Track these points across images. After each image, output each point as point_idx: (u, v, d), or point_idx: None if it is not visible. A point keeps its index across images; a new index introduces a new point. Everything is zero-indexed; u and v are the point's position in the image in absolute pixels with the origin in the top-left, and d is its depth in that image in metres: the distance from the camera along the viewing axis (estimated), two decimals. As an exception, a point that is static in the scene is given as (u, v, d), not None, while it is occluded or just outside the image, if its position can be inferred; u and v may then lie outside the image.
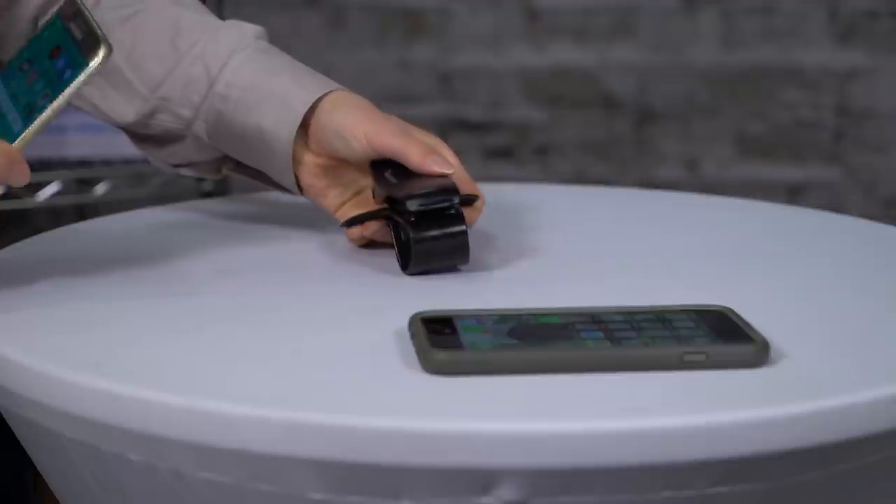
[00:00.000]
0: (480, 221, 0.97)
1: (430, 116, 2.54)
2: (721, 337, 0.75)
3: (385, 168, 0.94)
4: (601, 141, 2.60)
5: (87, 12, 0.83)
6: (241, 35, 1.00)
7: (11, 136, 0.82)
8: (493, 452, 0.67)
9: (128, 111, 1.01)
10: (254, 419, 0.68)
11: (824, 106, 2.55)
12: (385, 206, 0.93)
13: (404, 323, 0.78)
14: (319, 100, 0.96)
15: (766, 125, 2.57)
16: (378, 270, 0.93)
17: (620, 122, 2.59)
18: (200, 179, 1.94)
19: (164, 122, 1.01)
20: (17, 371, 0.76)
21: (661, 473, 0.68)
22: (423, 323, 0.76)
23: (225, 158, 1.02)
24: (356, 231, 0.96)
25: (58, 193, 1.87)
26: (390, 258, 0.93)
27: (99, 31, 0.82)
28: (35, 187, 1.84)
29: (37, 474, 0.86)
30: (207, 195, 1.91)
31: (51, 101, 0.82)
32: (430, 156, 0.92)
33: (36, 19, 1.04)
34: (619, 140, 2.60)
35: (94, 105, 1.02)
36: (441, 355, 0.73)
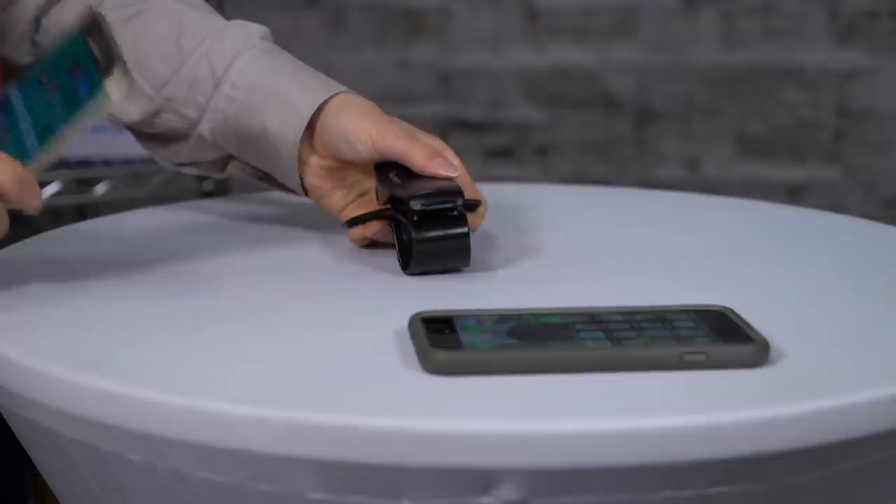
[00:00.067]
0: (480, 221, 0.97)
1: (430, 116, 2.54)
2: (721, 337, 0.75)
3: (389, 170, 0.94)
4: (601, 141, 2.60)
5: (108, 30, 0.82)
6: (247, 36, 1.00)
7: (25, 154, 0.82)
8: (493, 452, 0.67)
9: (132, 110, 1.01)
10: (254, 419, 0.68)
11: (824, 106, 2.55)
12: (388, 206, 0.93)
13: (404, 323, 0.78)
14: (325, 102, 0.96)
15: (766, 125, 2.57)
16: (378, 270, 0.93)
17: (620, 122, 2.59)
18: (201, 179, 1.94)
19: (169, 121, 1.01)
20: (17, 371, 0.76)
21: (661, 473, 0.68)
22: (423, 323, 0.76)
23: (229, 158, 1.02)
24: (358, 231, 0.96)
25: (58, 193, 1.87)
26: (391, 258, 0.93)
27: (117, 51, 0.81)
28: (35, 187, 1.84)
29: (37, 474, 0.86)
30: (207, 195, 1.91)
31: (66, 121, 0.81)
32: (435, 159, 0.92)
33: (38, 18, 1.04)
34: (619, 140, 2.60)
35: None
36: (441, 355, 0.73)
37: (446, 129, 2.57)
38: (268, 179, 1.02)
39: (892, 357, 0.77)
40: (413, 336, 0.76)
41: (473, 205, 0.93)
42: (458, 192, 0.91)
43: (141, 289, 0.89)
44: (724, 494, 0.69)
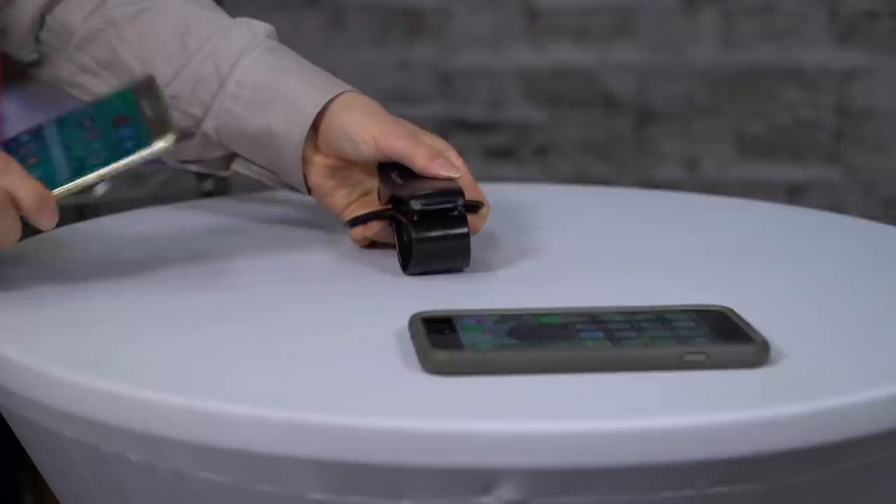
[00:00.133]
0: (481, 221, 0.96)
1: (430, 116, 2.54)
2: (721, 337, 0.75)
3: (391, 170, 0.94)
4: (601, 141, 2.60)
5: (164, 98, 0.87)
6: (252, 34, 1.00)
7: (53, 181, 0.84)
8: (493, 452, 0.67)
9: None
10: (254, 419, 0.68)
11: (824, 106, 2.55)
12: (388, 206, 0.93)
13: (404, 323, 0.77)
14: (330, 101, 0.96)
15: (766, 125, 2.57)
16: (378, 270, 0.93)
17: (620, 122, 2.60)
18: (201, 179, 1.94)
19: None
20: (17, 371, 0.76)
21: (661, 473, 0.68)
22: (424, 323, 0.76)
23: (234, 156, 1.02)
24: (359, 231, 0.96)
25: (58, 193, 1.87)
26: (391, 258, 0.93)
27: (172, 120, 0.85)
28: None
29: (37, 474, 0.86)
30: (207, 195, 1.91)
31: (105, 164, 0.84)
32: (437, 159, 0.92)
33: (42, 17, 1.04)
34: (619, 140, 2.60)
35: None
36: (441, 355, 0.73)
37: (446, 129, 2.57)
38: (272, 177, 1.02)
39: (892, 357, 0.77)
40: (413, 336, 0.76)
41: (475, 206, 0.93)
42: (459, 193, 0.91)
43: (141, 288, 0.89)
44: (724, 494, 0.69)
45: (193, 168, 1.05)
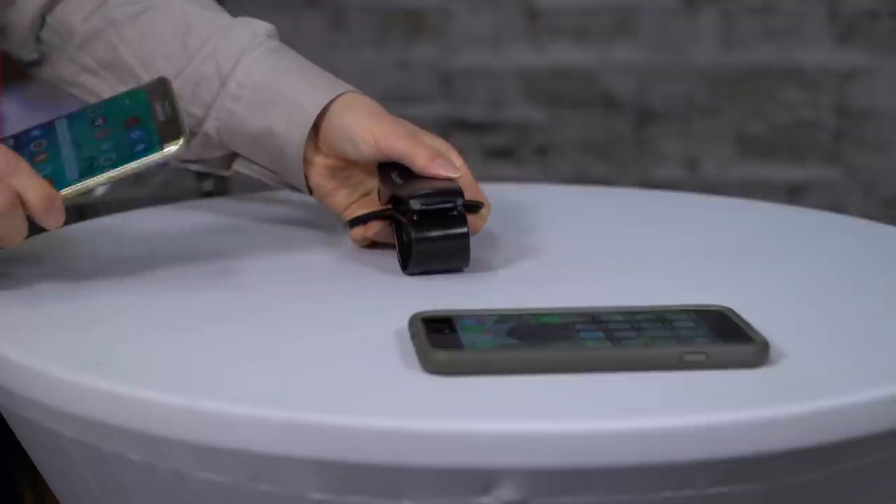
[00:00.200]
0: (481, 221, 0.96)
1: (430, 116, 2.54)
2: (721, 337, 0.75)
3: (392, 170, 0.94)
4: (601, 141, 2.60)
5: (176, 100, 0.87)
6: (253, 34, 1.00)
7: (62, 178, 0.85)
8: (493, 452, 0.67)
9: None
10: (254, 419, 0.68)
11: (824, 106, 2.55)
12: (388, 206, 0.93)
13: (404, 323, 0.77)
14: (331, 102, 0.96)
15: (766, 125, 2.57)
16: (378, 270, 0.93)
17: (620, 122, 2.60)
18: (201, 179, 1.94)
19: None
20: (17, 371, 0.76)
21: (661, 473, 0.68)
22: (424, 323, 0.76)
23: (235, 155, 1.03)
24: (359, 231, 0.96)
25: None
26: (391, 258, 0.93)
27: (184, 123, 0.85)
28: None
29: (37, 474, 0.86)
30: (208, 195, 1.91)
31: (114, 167, 0.84)
32: (437, 159, 0.92)
33: (42, 17, 1.04)
34: (619, 140, 2.60)
35: None
36: (441, 355, 0.73)
37: (446, 129, 2.57)
38: (273, 177, 1.02)
39: (892, 357, 0.77)
40: (413, 336, 0.76)
41: (475, 206, 0.93)
42: (459, 193, 0.91)
43: (141, 289, 0.89)
44: (724, 494, 0.69)
45: (194, 168, 1.05)
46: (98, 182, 0.85)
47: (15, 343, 0.78)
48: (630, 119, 2.58)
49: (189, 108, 1.00)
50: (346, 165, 0.98)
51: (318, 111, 0.96)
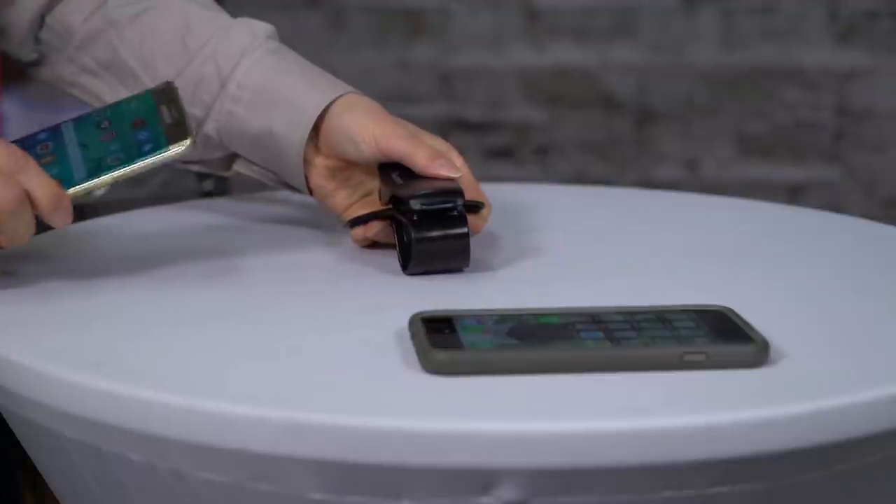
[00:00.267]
0: (481, 221, 0.96)
1: (430, 116, 2.54)
2: (721, 337, 0.75)
3: (392, 170, 0.94)
4: (601, 141, 2.61)
5: (182, 103, 0.88)
6: (253, 35, 1.00)
7: (69, 181, 0.85)
8: (493, 452, 0.67)
9: None
10: (254, 419, 0.68)
11: (824, 106, 2.55)
12: (389, 206, 0.93)
13: (404, 323, 0.77)
14: (331, 103, 0.96)
15: (766, 125, 2.57)
16: (378, 270, 0.93)
17: (620, 122, 2.60)
18: (201, 179, 1.94)
19: None
20: (17, 371, 0.76)
21: (661, 473, 0.68)
22: (424, 323, 0.76)
23: (235, 156, 1.03)
24: (359, 232, 0.96)
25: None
26: (391, 258, 0.93)
27: (190, 125, 0.86)
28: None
29: (37, 474, 0.86)
30: (207, 195, 1.91)
31: (122, 166, 0.85)
32: (437, 159, 0.92)
33: (41, 18, 1.04)
34: (619, 140, 2.60)
35: (105, 103, 1.02)
36: (441, 355, 0.73)
37: (446, 129, 2.57)
38: (273, 178, 1.02)
39: (892, 357, 0.77)
40: (413, 336, 0.76)
41: (476, 206, 0.93)
42: (459, 193, 0.91)
43: (141, 289, 0.89)
44: (724, 494, 0.69)
45: (195, 168, 1.05)
46: (106, 181, 0.86)
47: (15, 343, 0.78)
48: (630, 119, 2.58)
49: (189, 109, 1.00)
50: (347, 166, 0.98)
51: (319, 112, 0.96)
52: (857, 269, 0.95)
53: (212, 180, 1.93)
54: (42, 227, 0.86)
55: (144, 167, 0.85)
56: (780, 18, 2.52)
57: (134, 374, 0.74)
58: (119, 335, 0.81)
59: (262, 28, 1.01)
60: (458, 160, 0.95)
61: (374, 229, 0.95)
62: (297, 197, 1.03)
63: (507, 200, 1.06)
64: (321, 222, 1.03)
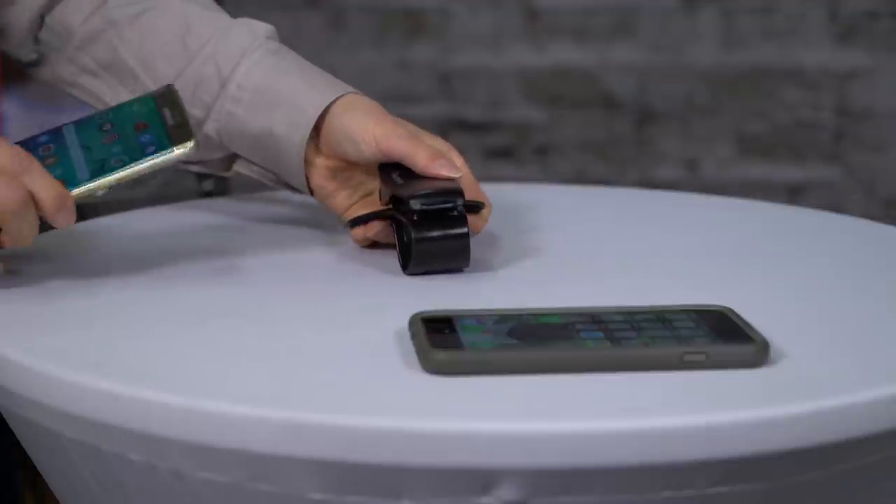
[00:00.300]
0: (481, 221, 0.96)
1: (430, 116, 2.54)
2: (721, 337, 0.75)
3: (392, 170, 0.94)
4: (601, 141, 2.61)
5: (183, 106, 0.88)
6: (253, 35, 1.00)
7: (72, 182, 0.85)
8: (493, 452, 0.67)
9: None
10: (254, 419, 0.68)
11: (824, 106, 2.55)
12: (389, 206, 0.93)
13: (404, 323, 0.77)
14: (331, 103, 0.96)
15: (766, 125, 2.57)
16: (378, 270, 0.93)
17: (620, 122, 2.60)
18: (201, 179, 1.94)
19: None
20: (17, 371, 0.76)
21: (661, 473, 0.68)
22: (424, 323, 0.76)
23: (235, 157, 1.03)
24: (359, 232, 0.96)
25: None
26: (391, 258, 0.93)
27: (192, 128, 0.87)
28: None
29: (37, 474, 0.86)
30: (207, 195, 1.91)
31: (125, 167, 0.86)
32: (437, 160, 0.93)
33: (41, 18, 1.04)
34: (619, 140, 2.60)
35: (105, 103, 1.02)
36: (441, 355, 0.73)
37: (446, 129, 2.57)
38: (273, 178, 1.02)
39: (892, 357, 0.77)
40: (413, 336, 0.76)
41: (476, 206, 0.93)
42: (459, 193, 0.91)
43: (141, 289, 0.89)
44: (724, 494, 0.69)
45: (195, 168, 1.05)
46: (109, 182, 0.86)
47: (15, 343, 0.78)
48: (630, 119, 2.58)
49: (189, 109, 1.00)
50: (347, 166, 0.98)
51: (319, 112, 0.96)
52: (857, 269, 0.95)
53: (212, 180, 1.93)
54: (44, 227, 0.86)
55: (148, 168, 0.86)
56: (780, 18, 2.52)
57: (134, 374, 0.74)
58: (119, 335, 0.81)
59: (262, 28, 1.01)
60: (459, 160, 0.95)
61: (374, 229, 0.95)
62: (297, 197, 1.03)
63: (507, 200, 1.06)
64: (321, 222, 1.03)
